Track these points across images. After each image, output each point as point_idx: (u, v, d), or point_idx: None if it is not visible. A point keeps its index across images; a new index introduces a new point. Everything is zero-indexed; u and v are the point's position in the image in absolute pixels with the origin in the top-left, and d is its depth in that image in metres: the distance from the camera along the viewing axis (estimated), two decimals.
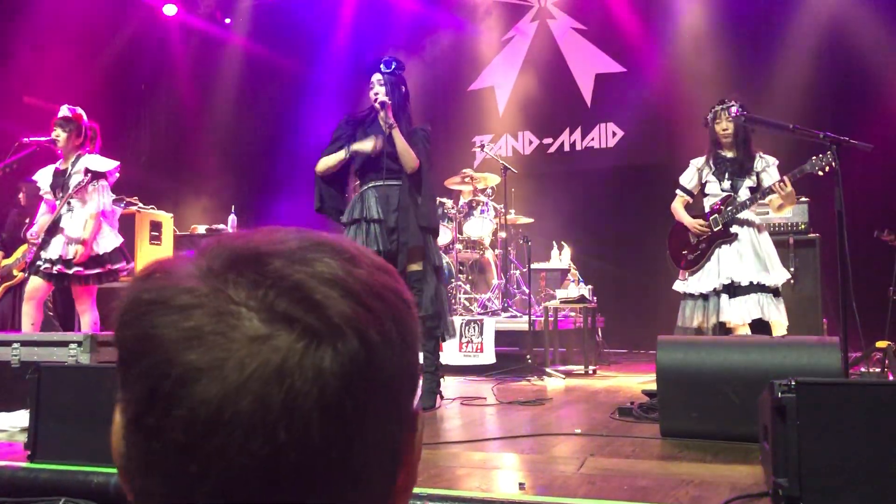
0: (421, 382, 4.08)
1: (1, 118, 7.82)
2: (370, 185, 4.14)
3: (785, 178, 4.38)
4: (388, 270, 0.55)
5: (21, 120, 7.57)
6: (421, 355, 4.03)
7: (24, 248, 5.82)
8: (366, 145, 4.10)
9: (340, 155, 4.15)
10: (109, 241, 4.79)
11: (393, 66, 4.19)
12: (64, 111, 4.79)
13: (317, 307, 0.48)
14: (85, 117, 4.87)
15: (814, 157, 4.21)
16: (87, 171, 4.71)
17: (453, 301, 7.04)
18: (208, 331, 0.47)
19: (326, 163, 4.19)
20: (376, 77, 4.16)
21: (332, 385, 0.47)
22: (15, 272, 6.29)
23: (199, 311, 0.47)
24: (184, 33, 10.06)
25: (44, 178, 4.89)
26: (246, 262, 0.49)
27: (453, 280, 7.15)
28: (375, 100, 4.11)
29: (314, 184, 4.30)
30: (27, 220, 5.17)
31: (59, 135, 4.77)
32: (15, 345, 3.58)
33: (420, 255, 4.10)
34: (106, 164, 4.82)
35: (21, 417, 3.36)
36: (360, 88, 4.29)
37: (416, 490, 2.20)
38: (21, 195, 6.48)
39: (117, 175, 4.93)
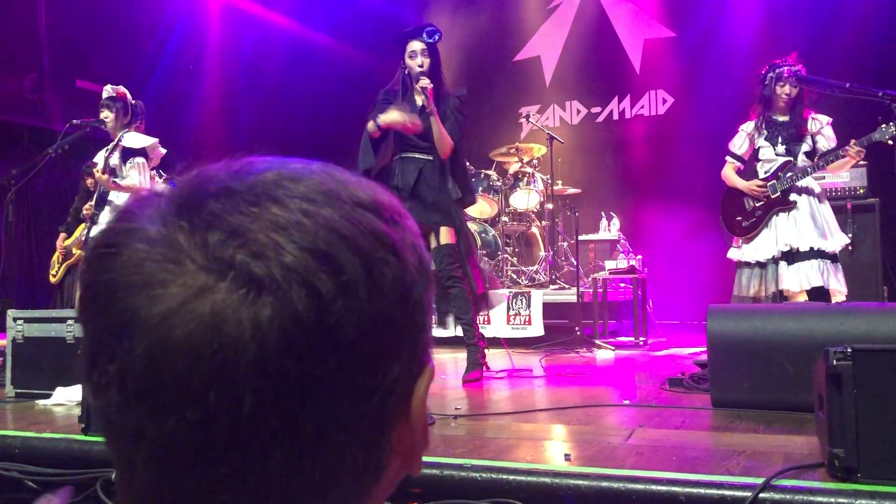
0: (466, 355, 4.07)
1: (57, 102, 8.02)
2: (400, 155, 4.08)
3: (854, 143, 4.20)
4: (375, 208, 0.48)
5: (75, 103, 7.75)
6: (461, 329, 4.01)
7: (82, 227, 5.96)
8: (392, 115, 3.91)
9: (369, 127, 3.98)
10: None
11: (436, 38, 4.05)
12: (108, 91, 4.84)
13: (256, 255, 0.43)
14: (129, 95, 4.91)
15: (883, 125, 4.03)
16: (122, 149, 4.75)
17: (500, 274, 7.01)
18: (150, 282, 0.43)
19: (363, 145, 4.07)
20: (419, 46, 3.98)
21: (272, 344, 0.42)
22: (75, 251, 6.44)
23: (146, 257, 0.44)
24: (229, 14, 10.12)
25: (101, 157, 4.97)
26: (191, 203, 0.45)
27: (500, 253, 7.11)
28: (421, 69, 3.93)
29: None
30: (89, 203, 5.29)
31: (107, 115, 4.82)
32: (69, 321, 3.67)
33: (451, 228, 3.99)
34: (141, 140, 4.83)
35: (78, 392, 3.45)
36: (397, 62, 4.16)
37: (461, 461, 2.19)
38: (89, 181, 6.62)
39: (162, 151, 4.95)
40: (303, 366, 0.43)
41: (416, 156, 4.01)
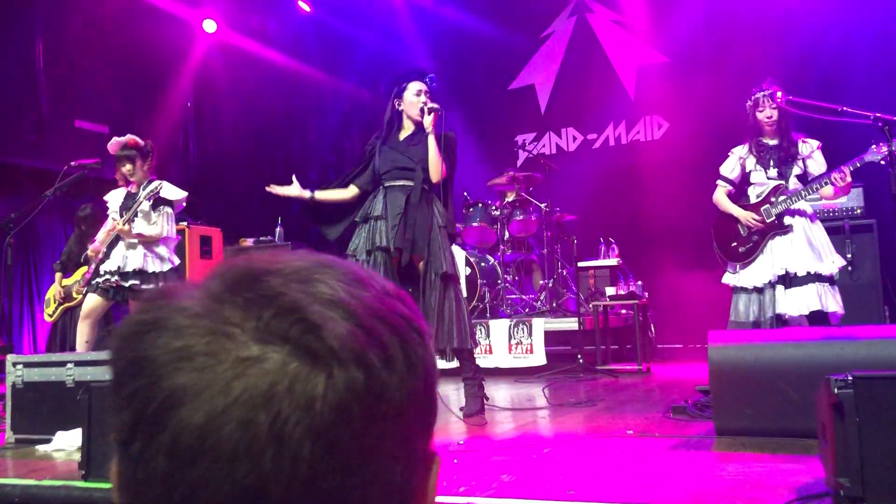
0: (462, 389, 4.03)
1: (56, 143, 8.05)
2: (385, 184, 4.12)
3: (844, 168, 4.21)
4: (400, 297, 0.52)
5: (74, 143, 7.80)
6: (456, 362, 3.97)
7: (83, 269, 5.94)
8: (328, 194, 4.36)
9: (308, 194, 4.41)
10: (166, 264, 4.86)
11: (434, 85, 4.20)
12: (118, 145, 4.85)
13: (313, 328, 0.45)
14: (140, 141, 4.92)
15: (874, 146, 4.05)
16: (156, 196, 4.76)
17: (500, 302, 6.99)
18: (197, 351, 0.45)
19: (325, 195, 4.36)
20: (424, 87, 4.13)
21: (326, 413, 0.44)
22: (75, 294, 6.41)
23: (192, 331, 0.45)
24: (224, 50, 10.19)
25: (115, 198, 4.97)
26: (244, 281, 0.48)
27: (500, 281, 7.10)
28: (423, 105, 4.03)
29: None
30: (88, 243, 5.27)
31: (128, 168, 4.83)
32: (69, 365, 3.66)
33: (424, 258, 3.96)
34: (176, 193, 4.89)
35: (78, 436, 3.43)
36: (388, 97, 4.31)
37: (465, 499, 2.17)
38: (83, 224, 6.62)
39: (184, 204, 5.02)
40: (353, 432, 0.45)
41: (403, 183, 4.06)
